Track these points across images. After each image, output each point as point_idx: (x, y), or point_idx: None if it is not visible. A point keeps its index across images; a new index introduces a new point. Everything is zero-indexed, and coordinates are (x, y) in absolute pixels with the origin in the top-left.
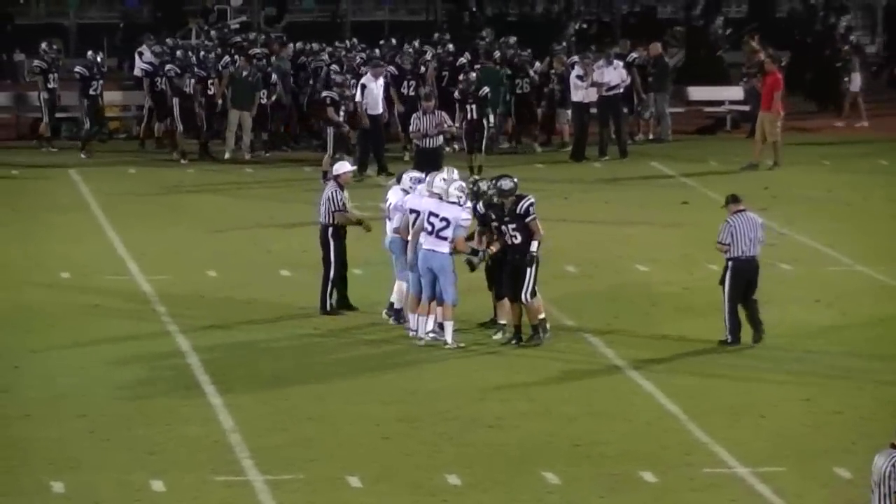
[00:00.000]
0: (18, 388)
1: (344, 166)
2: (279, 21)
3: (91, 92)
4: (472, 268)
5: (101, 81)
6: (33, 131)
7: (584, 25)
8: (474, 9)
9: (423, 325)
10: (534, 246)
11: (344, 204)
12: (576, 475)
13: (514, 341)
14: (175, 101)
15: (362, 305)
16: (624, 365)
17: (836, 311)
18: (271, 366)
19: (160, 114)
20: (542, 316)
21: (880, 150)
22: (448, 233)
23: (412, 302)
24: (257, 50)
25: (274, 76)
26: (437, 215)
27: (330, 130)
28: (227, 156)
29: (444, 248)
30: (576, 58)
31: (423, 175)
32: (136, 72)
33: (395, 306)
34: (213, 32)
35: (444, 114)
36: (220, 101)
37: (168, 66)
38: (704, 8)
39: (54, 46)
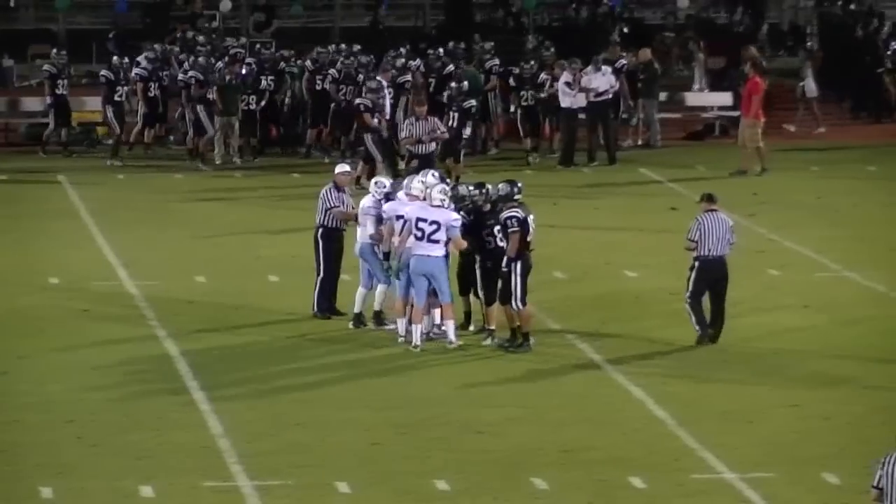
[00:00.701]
0: (7, 393)
1: (341, 167)
2: (268, 27)
3: (116, 98)
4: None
5: (125, 87)
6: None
7: (626, 30)
8: (513, 11)
9: (416, 332)
10: (505, 260)
11: (342, 202)
12: (565, 481)
13: (505, 345)
14: (199, 108)
15: (352, 311)
16: (613, 371)
17: (825, 317)
18: (260, 371)
19: (152, 120)
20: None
21: (869, 155)
22: (440, 235)
23: (400, 308)
24: (239, 50)
25: (264, 82)
26: (425, 220)
27: (368, 137)
28: (217, 161)
29: (438, 251)
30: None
31: (387, 180)
32: (132, 76)
33: (375, 310)
34: (200, 38)
35: (436, 119)
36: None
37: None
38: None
39: (63, 52)
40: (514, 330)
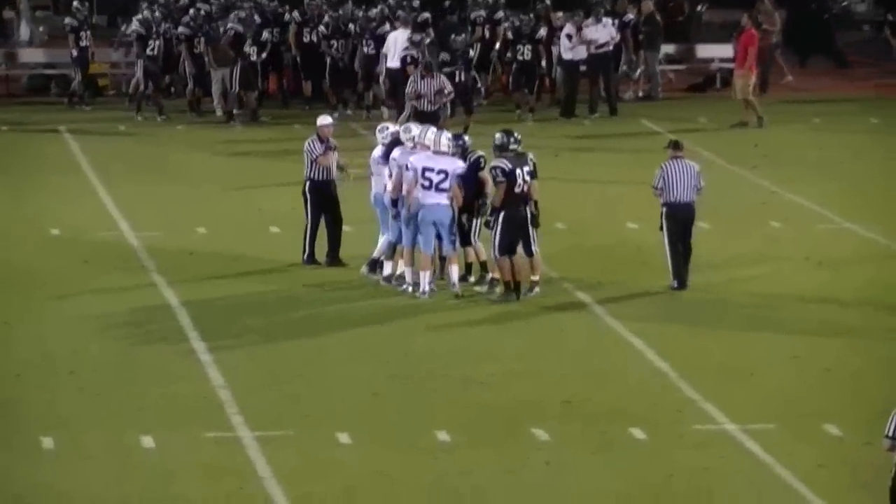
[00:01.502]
0: (8, 346)
1: (323, 118)
2: None
3: (149, 52)
4: (489, 225)
5: (157, 41)
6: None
7: None
8: None
9: (423, 280)
10: (489, 209)
11: (322, 151)
12: (566, 433)
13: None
14: (185, 62)
15: (354, 262)
16: (615, 323)
17: (826, 270)
18: (262, 322)
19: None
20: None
21: (871, 108)
22: (447, 184)
23: (408, 256)
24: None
25: (265, 34)
26: (432, 169)
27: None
28: (217, 113)
29: (447, 199)
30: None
31: (392, 126)
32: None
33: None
34: None
35: (443, 78)
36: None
37: (132, 28)
38: None
39: (86, 4)
40: (507, 282)
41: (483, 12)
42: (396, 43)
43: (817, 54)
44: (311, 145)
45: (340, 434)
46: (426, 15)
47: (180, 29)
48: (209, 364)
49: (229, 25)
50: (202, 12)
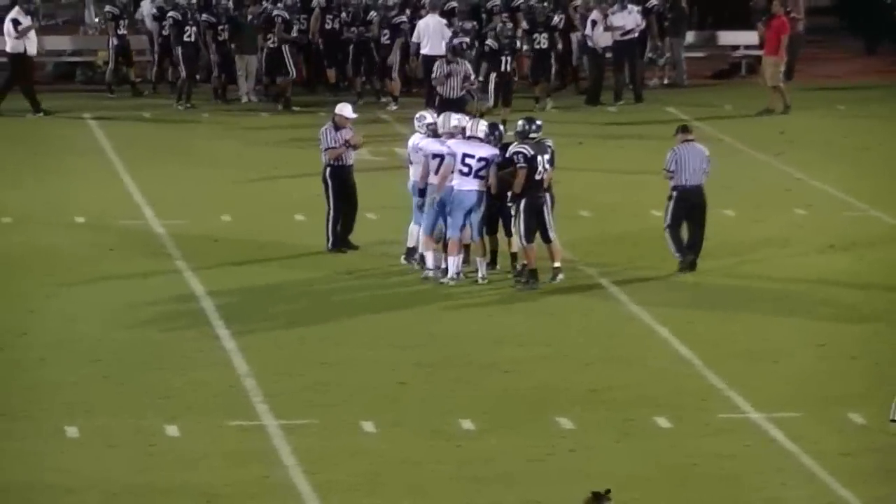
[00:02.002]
0: (34, 332)
1: (344, 108)
2: None
3: (185, 38)
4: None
5: (194, 28)
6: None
7: None
8: None
9: (451, 265)
10: (510, 195)
11: (336, 143)
12: (590, 420)
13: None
14: (284, 47)
15: (377, 249)
16: (639, 310)
17: (852, 256)
18: (286, 310)
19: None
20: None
21: None
22: (485, 171)
23: (429, 242)
24: None
25: (273, 16)
26: (472, 156)
27: (492, 76)
28: (243, 100)
29: (481, 186)
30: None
31: (430, 115)
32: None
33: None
34: None
35: (467, 65)
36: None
37: (170, 13)
38: None
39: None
40: (523, 267)
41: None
42: (429, 29)
43: (885, 41)
44: (327, 133)
45: (364, 422)
46: (453, 3)
47: (204, 16)
48: (234, 352)
49: (275, 13)
50: (225, 0)
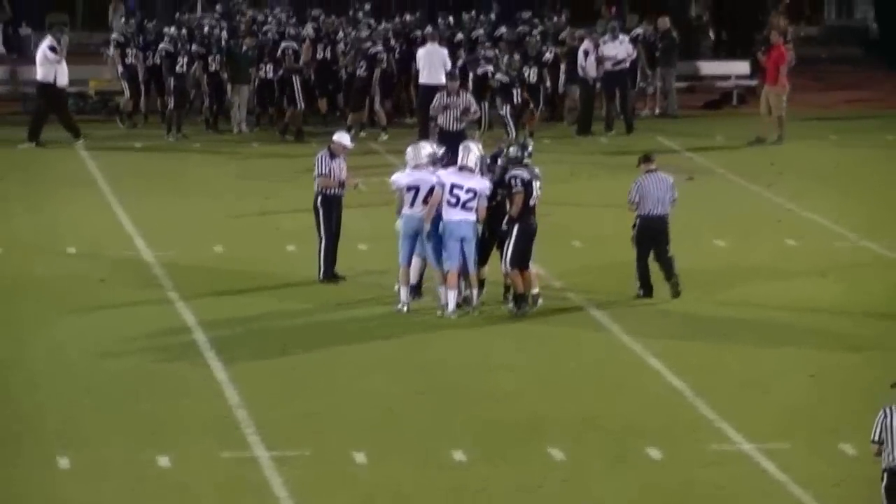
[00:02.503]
0: (26, 361)
1: (340, 135)
2: None
3: (178, 69)
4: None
5: (185, 59)
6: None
7: None
8: None
9: (451, 299)
10: (506, 219)
11: (331, 171)
12: (582, 451)
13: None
14: (294, 77)
15: (368, 279)
16: (631, 340)
17: (843, 286)
18: (278, 340)
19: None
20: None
21: (887, 124)
22: (474, 203)
23: (404, 274)
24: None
25: (283, 47)
26: (461, 187)
27: (507, 108)
28: (235, 130)
29: (473, 217)
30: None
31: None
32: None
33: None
34: (217, 7)
35: (470, 96)
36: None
37: (161, 46)
38: None
39: (132, 21)
40: (522, 294)
41: (482, 31)
42: (429, 58)
43: None
44: (321, 161)
45: (356, 452)
46: (460, 36)
47: (194, 47)
48: (225, 382)
49: (284, 44)
50: (218, 31)
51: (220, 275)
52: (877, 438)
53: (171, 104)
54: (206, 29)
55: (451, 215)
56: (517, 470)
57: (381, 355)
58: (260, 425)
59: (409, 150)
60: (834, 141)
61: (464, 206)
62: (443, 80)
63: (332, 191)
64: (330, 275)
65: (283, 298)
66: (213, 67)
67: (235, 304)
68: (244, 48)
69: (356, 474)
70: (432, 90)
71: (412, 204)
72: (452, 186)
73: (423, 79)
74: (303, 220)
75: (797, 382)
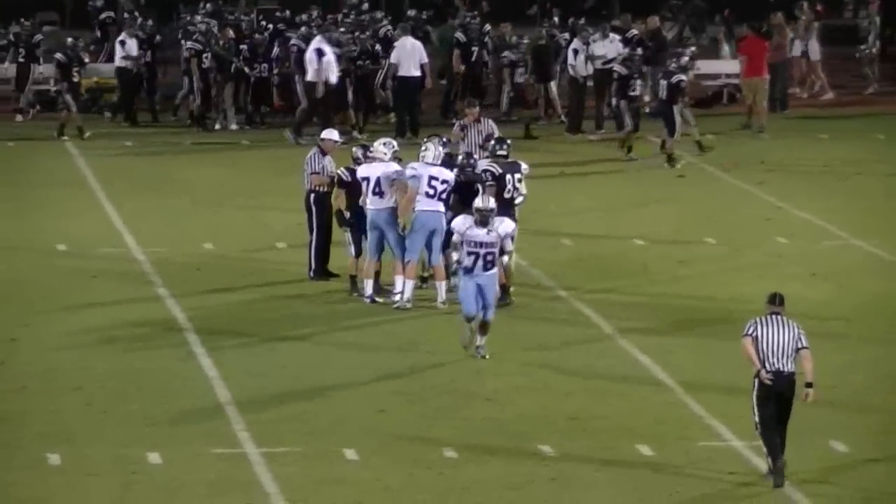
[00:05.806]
0: (14, 360)
1: (328, 132)
2: None
3: (204, 66)
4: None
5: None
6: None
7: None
8: None
9: (409, 288)
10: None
11: (323, 168)
12: (572, 449)
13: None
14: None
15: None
16: (620, 338)
17: (832, 286)
18: (267, 338)
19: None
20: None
21: (878, 124)
22: (445, 194)
23: (369, 268)
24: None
25: (276, 50)
26: (437, 178)
27: (624, 104)
28: (230, 127)
29: (443, 208)
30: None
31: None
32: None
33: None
34: (207, 6)
35: (492, 123)
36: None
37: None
38: None
39: (149, 21)
40: (504, 286)
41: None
42: (405, 51)
43: None
44: (313, 159)
45: (347, 450)
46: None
47: (189, 44)
48: (216, 380)
49: (292, 41)
50: (211, 28)
51: (211, 272)
52: (749, 332)
53: (197, 100)
54: (200, 26)
55: (427, 206)
56: (506, 468)
57: (370, 355)
58: (250, 422)
59: (424, 145)
60: (824, 140)
61: (439, 197)
62: (418, 73)
63: (325, 188)
64: (322, 272)
65: (273, 297)
66: (205, 64)
67: (226, 301)
68: (222, 42)
69: (346, 472)
70: (409, 82)
71: (370, 195)
72: (430, 178)
73: (401, 72)
74: (292, 217)
75: None
